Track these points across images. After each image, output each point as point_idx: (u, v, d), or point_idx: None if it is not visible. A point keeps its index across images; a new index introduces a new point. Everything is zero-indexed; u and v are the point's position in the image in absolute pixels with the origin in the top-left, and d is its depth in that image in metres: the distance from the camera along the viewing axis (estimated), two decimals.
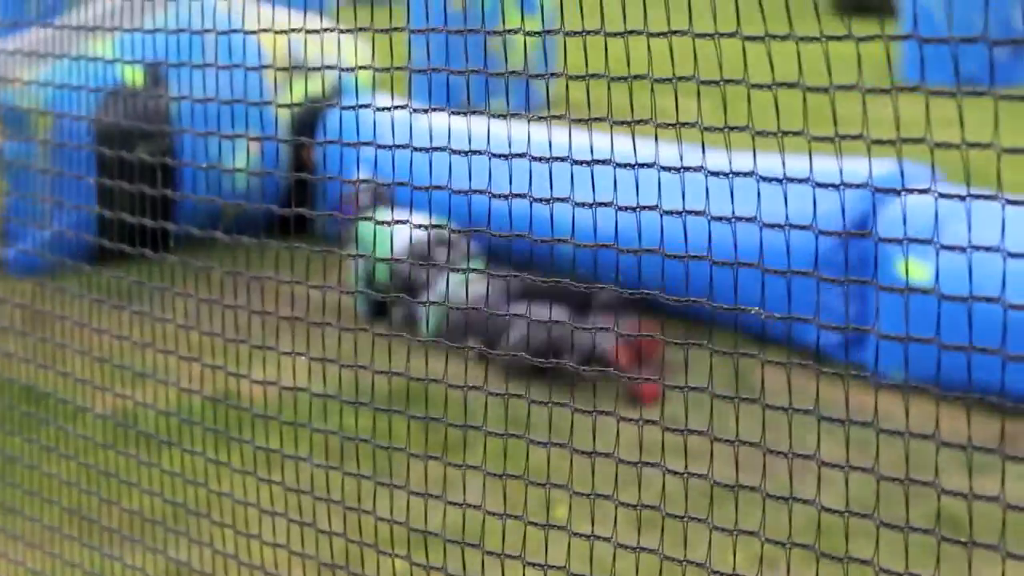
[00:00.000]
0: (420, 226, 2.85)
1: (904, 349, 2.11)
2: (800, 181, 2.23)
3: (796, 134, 2.18)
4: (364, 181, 3.29)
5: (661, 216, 2.39)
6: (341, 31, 3.08)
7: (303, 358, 3.03)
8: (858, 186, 2.21)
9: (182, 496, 3.65)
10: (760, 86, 2.20)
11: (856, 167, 2.35)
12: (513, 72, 2.60)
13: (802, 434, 2.25)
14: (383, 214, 4.79)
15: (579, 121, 2.48)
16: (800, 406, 2.22)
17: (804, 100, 2.16)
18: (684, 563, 2.35)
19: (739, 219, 2.28)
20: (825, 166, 2.33)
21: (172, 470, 3.66)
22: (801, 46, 2.14)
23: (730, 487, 2.30)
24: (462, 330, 7.39)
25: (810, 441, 2.18)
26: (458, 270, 3.10)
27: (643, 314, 7.28)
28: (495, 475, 2.64)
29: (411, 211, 2.76)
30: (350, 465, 3.00)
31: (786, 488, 2.22)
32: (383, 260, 6.21)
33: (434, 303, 3.42)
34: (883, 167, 2.35)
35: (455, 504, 2.71)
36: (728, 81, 2.24)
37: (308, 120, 9.83)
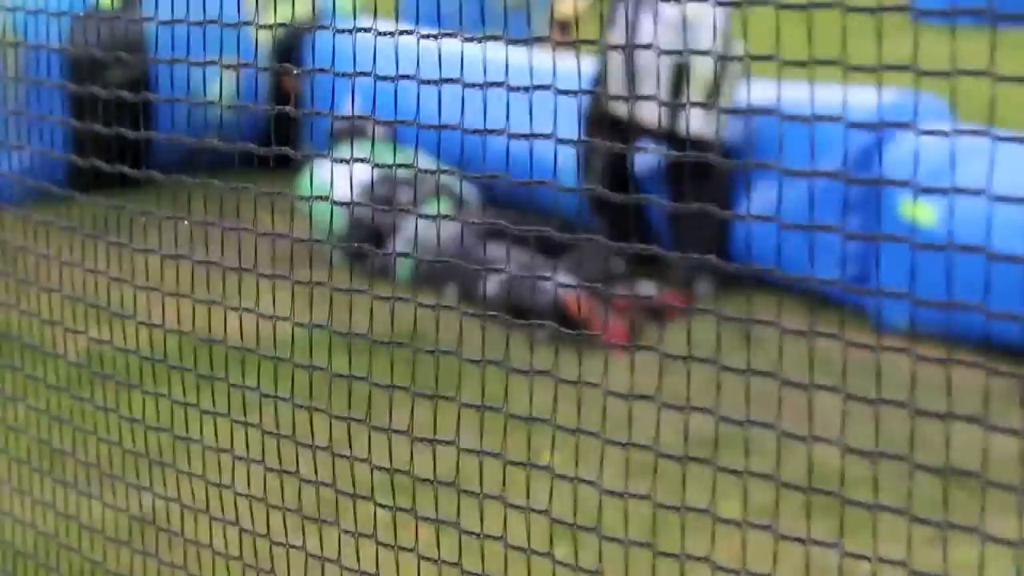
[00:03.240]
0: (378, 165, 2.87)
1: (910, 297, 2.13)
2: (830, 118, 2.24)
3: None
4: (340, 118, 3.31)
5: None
6: None
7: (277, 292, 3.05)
8: (859, 125, 2.22)
9: (153, 443, 3.60)
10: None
11: (861, 97, 2.33)
12: None
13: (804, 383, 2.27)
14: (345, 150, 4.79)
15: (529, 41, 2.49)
16: (798, 354, 2.25)
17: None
18: (681, 509, 2.39)
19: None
20: (829, 96, 2.33)
21: (136, 416, 3.61)
22: None
23: (740, 422, 2.34)
24: (438, 274, 7.37)
25: (813, 392, 2.21)
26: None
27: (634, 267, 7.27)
28: (494, 408, 2.66)
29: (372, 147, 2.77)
30: (330, 408, 3.01)
31: (787, 437, 2.25)
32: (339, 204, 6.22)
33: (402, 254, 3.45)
34: (892, 96, 2.36)
35: (443, 442, 2.74)
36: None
37: (290, 46, 9.83)
